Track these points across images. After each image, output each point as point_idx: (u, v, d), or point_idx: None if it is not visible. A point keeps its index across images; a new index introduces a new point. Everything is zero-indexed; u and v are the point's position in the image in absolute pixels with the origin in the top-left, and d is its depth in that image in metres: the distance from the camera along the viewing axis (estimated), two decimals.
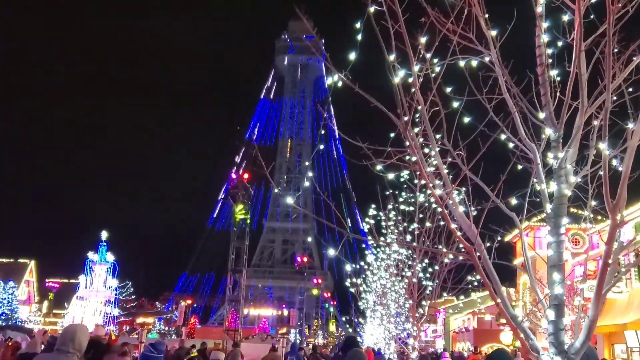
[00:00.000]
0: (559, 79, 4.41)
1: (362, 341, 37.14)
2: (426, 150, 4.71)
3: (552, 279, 3.72)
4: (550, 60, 4.37)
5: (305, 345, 47.02)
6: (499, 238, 4.89)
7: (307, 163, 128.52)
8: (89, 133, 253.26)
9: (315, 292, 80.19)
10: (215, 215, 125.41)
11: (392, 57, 4.22)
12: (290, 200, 4.82)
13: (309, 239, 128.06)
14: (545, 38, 4.33)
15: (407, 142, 4.37)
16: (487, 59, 4.45)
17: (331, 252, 5.07)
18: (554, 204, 3.91)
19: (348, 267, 18.14)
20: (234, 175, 31.21)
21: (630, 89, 4.19)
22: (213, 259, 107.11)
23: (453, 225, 4.40)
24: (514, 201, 4.47)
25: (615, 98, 4.12)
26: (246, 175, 31.05)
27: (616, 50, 4.11)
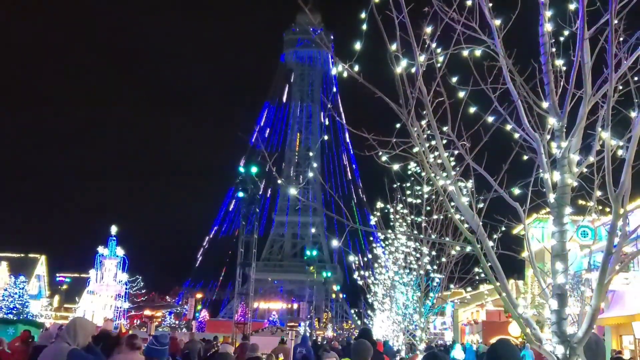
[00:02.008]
0: (564, 68, 4.38)
1: None
2: (433, 142, 4.69)
3: (555, 268, 3.71)
4: (554, 49, 4.34)
5: (315, 337, 47.24)
6: (504, 228, 4.89)
7: (311, 153, 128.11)
8: (99, 129, 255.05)
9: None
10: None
11: (394, 47, 4.21)
12: (293, 191, 4.83)
13: (313, 230, 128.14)
14: (549, 27, 4.30)
15: (411, 133, 4.37)
16: (491, 48, 4.43)
17: (335, 242, 5.09)
18: (557, 193, 3.89)
19: (351, 258, 18.16)
20: (242, 169, 31.19)
21: (636, 78, 4.15)
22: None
23: (457, 216, 4.39)
24: (517, 191, 4.46)
25: (620, 87, 4.09)
26: (254, 169, 31.06)
27: (622, 38, 4.08)
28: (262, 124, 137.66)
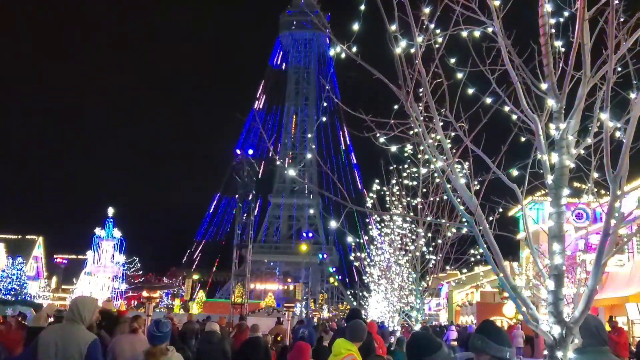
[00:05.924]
0: (563, 50, 4.36)
1: (366, 314, 37.53)
2: (431, 125, 4.68)
3: (553, 249, 3.74)
4: (553, 31, 4.32)
5: (311, 318, 47.60)
6: (501, 210, 4.91)
7: (309, 135, 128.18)
8: (95, 111, 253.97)
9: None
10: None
11: (393, 27, 4.18)
12: (292, 172, 4.83)
13: (311, 211, 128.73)
14: (548, 7, 4.27)
15: (409, 114, 4.36)
16: (490, 29, 4.40)
17: (333, 224, 5.11)
18: (555, 175, 3.90)
19: (350, 239, 18.27)
20: (238, 152, 31.16)
21: (634, 60, 4.14)
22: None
23: (454, 197, 4.39)
24: (515, 172, 4.46)
25: (619, 69, 4.08)
26: (250, 151, 31.06)
27: (622, 19, 4.05)
28: (257, 107, 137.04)
